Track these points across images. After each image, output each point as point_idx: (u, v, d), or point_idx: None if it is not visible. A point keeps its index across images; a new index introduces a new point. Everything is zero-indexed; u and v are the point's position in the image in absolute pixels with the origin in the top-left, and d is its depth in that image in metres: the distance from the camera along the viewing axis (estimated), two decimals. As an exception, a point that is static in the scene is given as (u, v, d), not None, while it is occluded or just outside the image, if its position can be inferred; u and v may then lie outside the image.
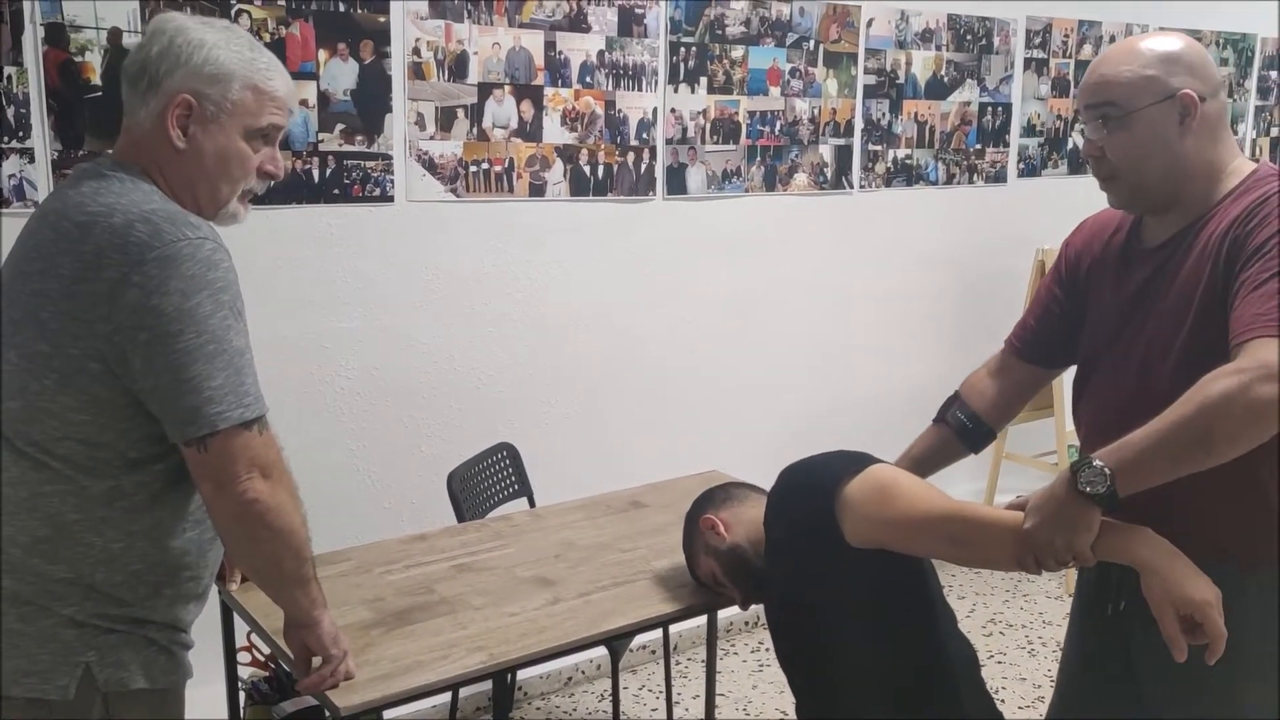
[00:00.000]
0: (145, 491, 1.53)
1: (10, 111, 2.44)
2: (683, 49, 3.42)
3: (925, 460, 1.98)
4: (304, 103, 2.79)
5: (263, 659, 2.26)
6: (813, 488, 1.73)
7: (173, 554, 1.57)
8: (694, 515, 2.04)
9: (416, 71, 2.95)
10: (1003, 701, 3.25)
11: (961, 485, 3.78)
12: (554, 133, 3.21)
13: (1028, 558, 1.52)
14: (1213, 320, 1.54)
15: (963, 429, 1.96)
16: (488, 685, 1.93)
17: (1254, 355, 1.41)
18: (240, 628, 2.09)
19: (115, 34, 2.53)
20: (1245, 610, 1.57)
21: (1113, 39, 4.59)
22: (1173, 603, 1.42)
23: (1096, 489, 1.44)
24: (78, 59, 2.50)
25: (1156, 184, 1.65)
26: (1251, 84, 5.25)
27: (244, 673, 2.27)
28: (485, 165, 3.11)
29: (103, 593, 1.52)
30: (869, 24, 3.85)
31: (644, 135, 3.38)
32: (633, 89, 3.33)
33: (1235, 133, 5.21)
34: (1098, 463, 1.45)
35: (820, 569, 1.72)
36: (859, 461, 1.72)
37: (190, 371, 1.44)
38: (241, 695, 2.23)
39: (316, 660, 1.72)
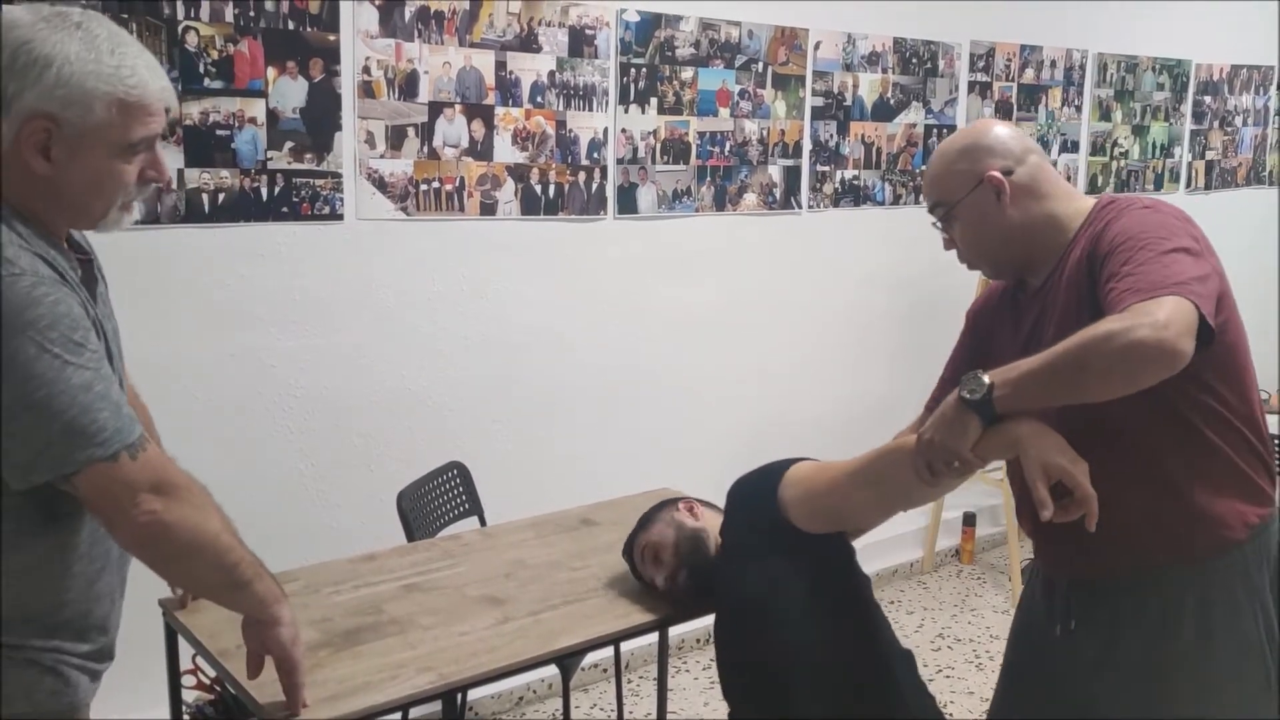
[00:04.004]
0: (16, 529, 1.41)
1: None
2: (633, 70, 3.44)
3: None
4: (253, 120, 2.77)
5: (208, 682, 2.23)
6: (757, 485, 1.94)
7: (49, 593, 1.46)
8: (668, 502, 2.19)
9: (366, 90, 2.95)
10: (951, 716, 3.29)
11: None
12: (505, 152, 3.22)
13: (920, 463, 1.64)
14: None
15: None
16: (437, 706, 1.91)
17: (1144, 309, 1.45)
18: (185, 650, 2.06)
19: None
20: (1186, 610, 1.66)
21: (1053, 63, 4.70)
22: (1044, 468, 1.53)
23: (975, 395, 1.56)
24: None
25: (1004, 254, 1.82)
26: (1186, 109, 5.39)
27: (189, 696, 2.24)
28: (436, 184, 3.11)
29: None
30: (816, 47, 3.91)
31: (595, 155, 3.40)
32: (583, 109, 3.35)
33: (1171, 155, 5.34)
34: (980, 374, 1.57)
35: (767, 563, 1.86)
36: (790, 460, 1.95)
37: (17, 425, 1.31)
38: (186, 719, 2.20)
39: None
